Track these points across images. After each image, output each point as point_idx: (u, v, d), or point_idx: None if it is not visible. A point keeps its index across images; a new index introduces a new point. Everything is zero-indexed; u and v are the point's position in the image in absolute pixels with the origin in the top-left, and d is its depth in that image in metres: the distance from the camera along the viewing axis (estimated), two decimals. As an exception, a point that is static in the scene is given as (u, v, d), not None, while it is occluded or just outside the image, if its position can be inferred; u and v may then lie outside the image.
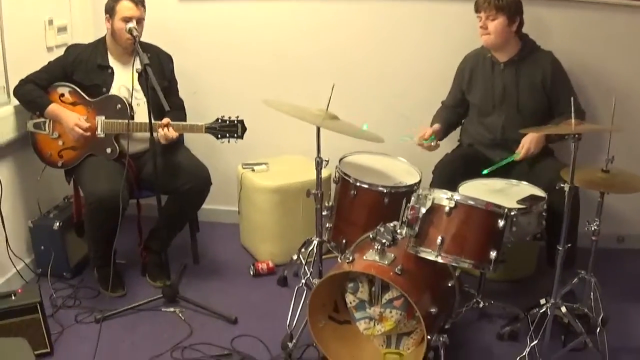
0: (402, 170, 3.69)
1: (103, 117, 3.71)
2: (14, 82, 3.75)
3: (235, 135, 3.64)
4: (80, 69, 3.79)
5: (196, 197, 3.83)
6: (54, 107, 3.73)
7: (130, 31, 3.56)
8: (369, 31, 4.34)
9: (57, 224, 3.94)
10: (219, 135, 3.64)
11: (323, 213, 3.53)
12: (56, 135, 3.79)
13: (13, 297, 3.22)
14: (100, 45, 3.86)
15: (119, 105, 3.73)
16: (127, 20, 3.65)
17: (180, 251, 4.24)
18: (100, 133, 3.71)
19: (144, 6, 3.75)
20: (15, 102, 3.78)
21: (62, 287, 3.94)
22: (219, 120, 3.64)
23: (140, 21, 3.71)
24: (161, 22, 4.28)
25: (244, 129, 3.63)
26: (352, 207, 3.54)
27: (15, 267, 3.89)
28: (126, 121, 3.68)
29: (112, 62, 3.85)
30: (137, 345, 3.41)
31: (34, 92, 3.73)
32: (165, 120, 3.59)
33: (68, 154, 3.81)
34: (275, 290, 3.95)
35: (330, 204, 3.60)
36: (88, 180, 3.65)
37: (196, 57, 4.49)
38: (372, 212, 3.46)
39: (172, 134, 3.61)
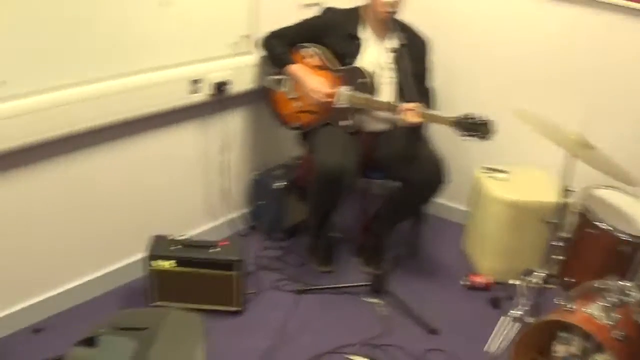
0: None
1: (346, 87, 3.54)
2: (261, 34, 3.69)
3: (481, 135, 3.32)
4: (331, 34, 3.63)
5: (427, 191, 3.57)
6: (295, 68, 3.61)
7: (388, 5, 3.36)
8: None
9: (280, 182, 3.91)
10: (464, 133, 3.33)
11: (555, 244, 3.19)
12: (294, 96, 3.68)
13: (214, 249, 3.24)
14: (353, 14, 3.67)
15: (363, 80, 3.54)
16: None
17: (400, 239, 4.04)
18: (340, 103, 3.55)
19: None
20: (259, 53, 3.73)
21: (270, 247, 3.93)
22: (467, 117, 3.32)
23: None
24: (422, 3, 4.09)
25: (491, 132, 3.30)
26: (587, 246, 3.18)
27: (228, 215, 3.94)
28: (368, 96, 3.50)
29: (364, 34, 3.64)
30: (329, 328, 3.32)
31: (278, 48, 3.64)
32: (412, 105, 3.34)
33: (305, 117, 3.69)
34: (485, 310, 3.62)
35: (565, 235, 3.23)
36: (322, 149, 3.50)
37: (454, 45, 4.19)
38: (608, 258, 3.09)
39: (415, 119, 3.36)
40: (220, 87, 3.55)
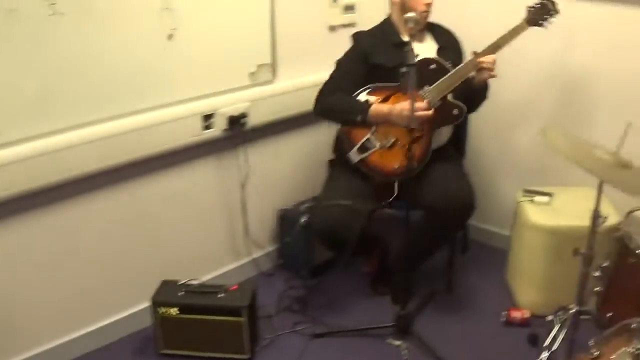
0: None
1: (426, 86, 3.21)
2: (284, 61, 3.55)
3: (553, 12, 3.14)
4: (378, 52, 3.33)
5: (450, 221, 3.27)
6: (377, 107, 3.24)
7: (408, 21, 3.05)
8: None
9: (306, 218, 3.66)
10: (542, 22, 3.14)
11: (595, 274, 2.88)
12: (392, 141, 3.29)
13: (222, 294, 3.10)
14: (387, 26, 3.42)
15: (432, 65, 3.23)
16: None
17: (436, 273, 3.74)
18: (435, 102, 3.20)
19: None
20: (283, 84, 3.58)
21: (296, 286, 3.70)
22: (530, 10, 3.15)
23: None
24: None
25: (554, 2, 3.15)
26: (628, 277, 2.90)
27: (252, 254, 3.79)
28: (450, 73, 3.18)
29: (406, 39, 3.29)
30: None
31: (347, 98, 3.31)
32: (491, 57, 3.13)
33: (417, 149, 3.25)
34: (522, 348, 3.25)
35: (605, 264, 2.93)
36: (323, 204, 3.30)
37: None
38: None
39: (491, 75, 3.16)
40: (236, 120, 3.39)
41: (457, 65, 3.24)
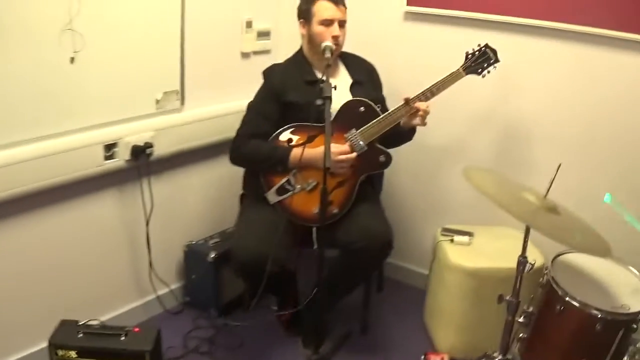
0: (629, 286, 2.77)
1: (354, 129, 3.14)
2: (193, 88, 3.39)
3: (493, 61, 3.14)
4: (290, 89, 3.19)
5: (367, 260, 3.15)
6: (297, 152, 3.08)
7: (325, 50, 3.02)
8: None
9: (214, 254, 3.50)
10: (480, 70, 3.14)
11: (519, 320, 2.78)
12: (313, 184, 3.17)
13: (123, 338, 2.88)
14: (299, 60, 3.29)
15: (362, 108, 3.13)
16: (326, 23, 3.10)
17: (351, 314, 3.61)
18: (361, 148, 3.12)
19: (345, 6, 3.18)
20: (192, 112, 3.43)
21: (203, 326, 3.53)
22: (469, 56, 3.14)
23: (342, 24, 3.15)
24: (381, 40, 3.76)
25: (496, 51, 3.16)
26: (554, 324, 2.74)
27: (157, 291, 3.61)
28: (379, 118, 3.10)
29: (319, 76, 3.21)
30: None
31: (265, 145, 3.15)
32: (425, 104, 3.06)
33: (339, 194, 3.17)
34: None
35: (530, 309, 2.81)
36: (241, 234, 3.13)
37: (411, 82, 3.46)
38: (577, 338, 2.65)
39: (421, 122, 3.10)
40: (141, 150, 3.20)
41: (384, 108, 3.21)
